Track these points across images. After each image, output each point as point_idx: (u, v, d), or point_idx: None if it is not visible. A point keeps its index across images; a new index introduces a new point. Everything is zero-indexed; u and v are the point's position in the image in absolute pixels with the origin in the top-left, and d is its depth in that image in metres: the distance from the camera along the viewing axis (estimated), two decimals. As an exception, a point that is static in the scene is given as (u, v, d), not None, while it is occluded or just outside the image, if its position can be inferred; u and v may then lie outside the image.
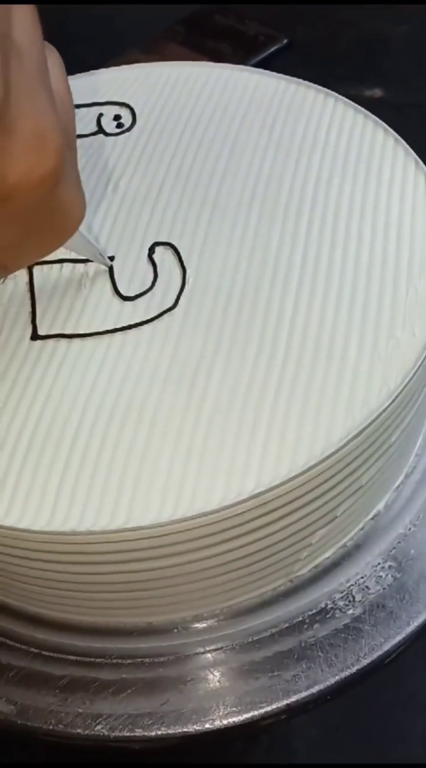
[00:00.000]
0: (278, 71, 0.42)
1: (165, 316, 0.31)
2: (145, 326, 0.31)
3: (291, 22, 0.67)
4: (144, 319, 0.31)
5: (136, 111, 0.40)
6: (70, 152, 0.24)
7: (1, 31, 0.20)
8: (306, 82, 0.40)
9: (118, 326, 0.31)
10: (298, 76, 0.41)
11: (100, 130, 0.39)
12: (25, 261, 0.26)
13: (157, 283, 0.32)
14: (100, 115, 0.40)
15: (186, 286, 0.32)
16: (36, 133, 0.22)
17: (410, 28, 0.71)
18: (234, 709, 0.31)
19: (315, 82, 0.41)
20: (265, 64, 0.62)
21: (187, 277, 0.32)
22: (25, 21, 0.22)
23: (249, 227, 0.34)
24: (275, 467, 0.27)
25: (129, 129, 0.39)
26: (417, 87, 0.66)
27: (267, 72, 0.41)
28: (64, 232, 0.25)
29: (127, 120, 0.39)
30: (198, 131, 0.38)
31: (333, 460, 0.27)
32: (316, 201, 0.34)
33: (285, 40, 0.62)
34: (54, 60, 0.25)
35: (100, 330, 0.31)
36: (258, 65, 0.61)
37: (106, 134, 0.39)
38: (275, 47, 0.62)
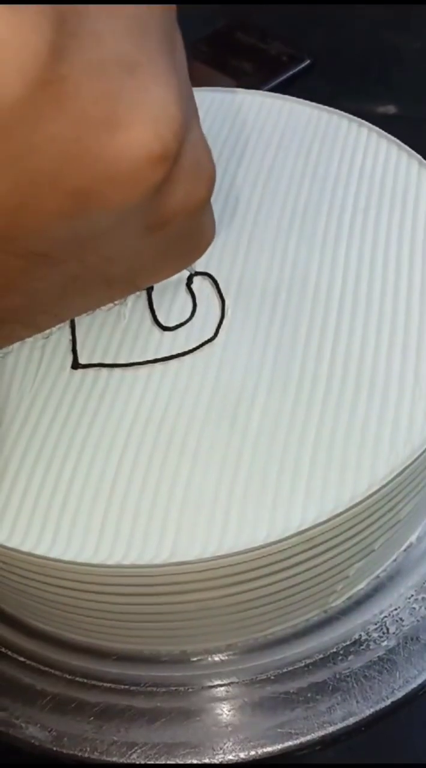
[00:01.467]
0: (297, 88, 0.42)
1: (205, 347, 0.31)
2: (185, 357, 0.31)
3: (309, 37, 0.67)
4: (184, 350, 0.31)
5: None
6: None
7: (173, 54, 0.21)
8: (339, 111, 0.41)
9: (159, 357, 0.31)
10: (314, 92, 0.42)
11: (135, 155, 0.39)
12: (157, 280, 0.28)
13: (196, 314, 0.33)
14: (135, 140, 0.40)
15: (225, 316, 0.32)
16: (194, 161, 0.22)
17: (424, 42, 0.71)
18: (269, 739, 0.31)
19: (331, 99, 0.41)
20: (287, 83, 0.62)
21: (226, 307, 0.33)
22: (179, 42, 0.23)
23: (287, 257, 0.34)
24: (320, 503, 0.27)
25: (164, 155, 0.39)
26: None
27: (300, 100, 0.41)
28: (197, 252, 0.27)
29: (161, 146, 0.39)
30: (234, 158, 0.38)
31: (377, 497, 0.27)
32: (354, 231, 0.35)
33: (307, 61, 0.63)
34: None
35: (141, 360, 0.31)
36: (280, 85, 0.61)
37: (142, 160, 0.39)
38: (298, 68, 0.62)
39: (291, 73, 0.62)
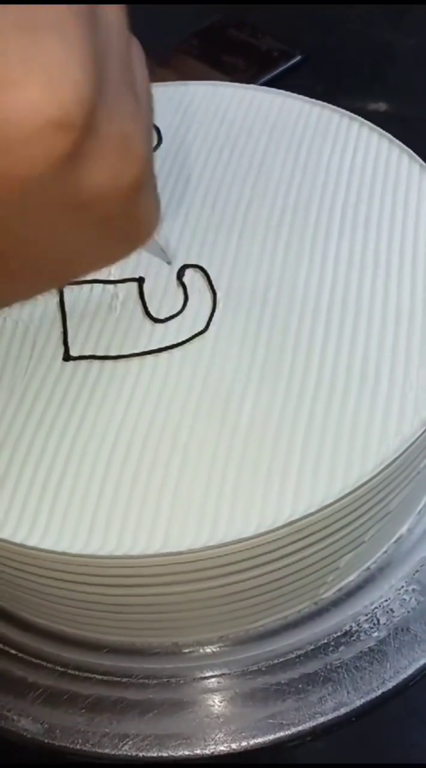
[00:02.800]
0: (286, 83, 0.42)
1: (196, 339, 0.32)
2: (177, 349, 0.31)
3: (300, 34, 0.68)
4: (175, 342, 0.31)
5: (161, 130, 0.40)
6: (150, 158, 0.22)
7: (90, 18, 0.19)
8: (330, 105, 0.41)
9: (150, 349, 0.31)
10: (305, 89, 0.42)
11: (127, 149, 0.39)
12: (93, 268, 0.25)
13: (187, 306, 0.33)
14: (126, 134, 0.40)
15: (216, 309, 0.32)
16: (121, 137, 0.20)
17: (417, 40, 0.71)
18: (260, 730, 0.31)
19: (323, 95, 0.41)
20: (277, 78, 0.62)
21: (217, 300, 0.33)
22: (114, 15, 0.21)
23: (278, 251, 0.34)
24: (310, 494, 0.27)
25: (154, 149, 0.39)
26: (423, 99, 0.66)
27: (291, 94, 0.42)
28: (138, 241, 0.24)
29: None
30: (224, 153, 0.39)
31: (367, 488, 0.28)
32: (344, 226, 0.35)
33: (299, 57, 0.63)
34: (136, 54, 0.23)
35: (132, 352, 0.31)
36: (271, 81, 0.61)
37: (133, 154, 0.39)
38: (289, 63, 0.62)
39: (282, 68, 0.62)
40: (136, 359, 0.31)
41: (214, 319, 0.32)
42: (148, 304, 0.33)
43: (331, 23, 0.70)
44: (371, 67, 0.69)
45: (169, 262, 0.34)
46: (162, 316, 0.32)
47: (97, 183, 0.20)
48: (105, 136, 0.20)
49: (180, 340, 0.32)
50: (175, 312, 0.32)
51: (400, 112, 0.65)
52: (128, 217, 0.23)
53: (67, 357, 0.31)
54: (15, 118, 0.18)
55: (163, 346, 0.31)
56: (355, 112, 0.41)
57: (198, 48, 0.64)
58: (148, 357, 0.31)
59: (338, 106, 0.41)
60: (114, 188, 0.21)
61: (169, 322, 0.32)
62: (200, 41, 0.65)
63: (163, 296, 0.33)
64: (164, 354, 0.31)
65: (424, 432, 0.29)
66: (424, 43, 0.71)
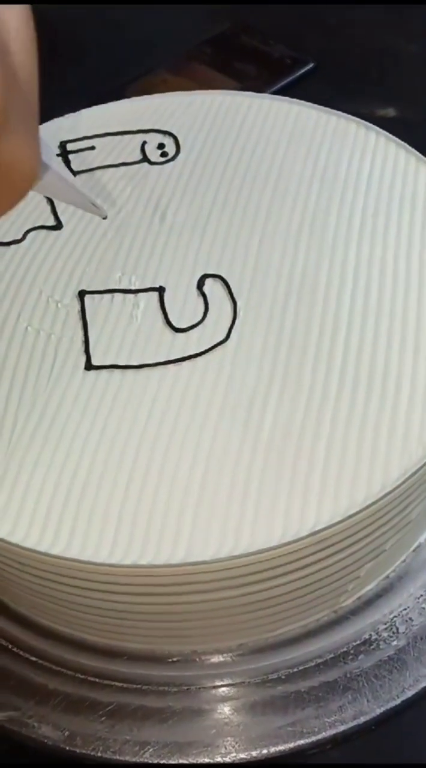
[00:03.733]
0: (298, 90, 0.42)
1: (217, 348, 0.32)
2: (198, 358, 0.32)
3: (306, 38, 0.68)
4: (196, 351, 0.32)
5: (180, 140, 0.40)
6: (18, 99, 0.22)
7: None
8: (346, 114, 0.41)
9: (171, 358, 0.32)
10: (315, 95, 0.42)
11: (145, 158, 0.39)
12: None
13: (208, 316, 0.33)
14: (144, 143, 0.40)
15: (237, 318, 0.33)
16: None
17: (423, 46, 0.72)
18: (280, 738, 0.31)
19: (331, 101, 0.41)
20: (290, 86, 0.62)
21: (237, 309, 0.33)
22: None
23: (297, 261, 0.34)
24: (334, 504, 0.27)
25: (174, 158, 0.39)
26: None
27: (306, 103, 0.42)
28: (13, 191, 0.23)
29: (170, 149, 0.40)
30: (242, 161, 0.39)
31: (390, 498, 0.28)
32: (363, 235, 0.35)
33: (311, 64, 0.63)
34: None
35: (154, 361, 0.32)
36: (283, 88, 0.61)
37: (151, 163, 0.39)
38: (301, 71, 0.63)
39: (295, 76, 0.62)
40: (157, 368, 0.31)
41: (234, 328, 0.32)
42: (168, 314, 0.33)
43: (336, 29, 0.70)
44: (378, 72, 0.69)
45: (104, 217, 0.32)
46: (182, 326, 0.33)
47: None
48: None
49: (201, 350, 0.32)
50: (195, 321, 0.33)
51: (408, 117, 0.65)
52: None
53: (89, 366, 0.32)
54: None
55: (184, 355, 0.32)
56: (363, 118, 0.41)
57: (210, 55, 0.64)
58: (170, 366, 0.31)
59: (346, 111, 0.41)
60: None
61: (190, 332, 0.32)
62: (212, 48, 0.65)
63: (183, 306, 0.33)
64: (185, 363, 0.31)
65: (446, 442, 0.29)
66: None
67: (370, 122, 0.40)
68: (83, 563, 0.27)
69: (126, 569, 0.27)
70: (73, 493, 0.28)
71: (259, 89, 0.53)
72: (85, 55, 0.67)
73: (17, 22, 0.23)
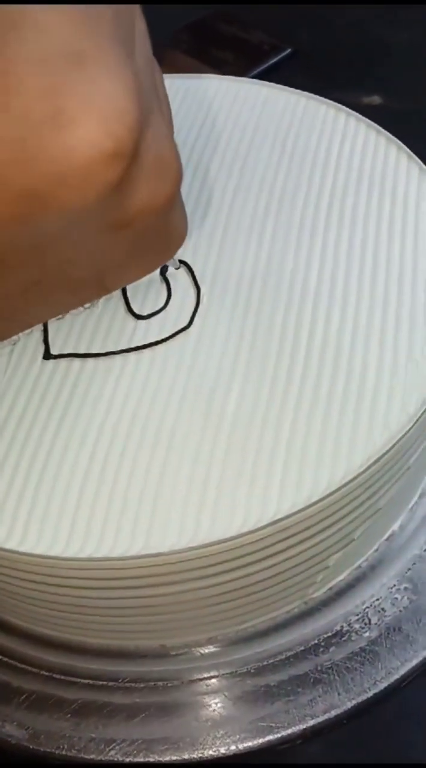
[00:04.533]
0: (279, 78, 0.41)
1: (180, 335, 0.31)
2: (160, 346, 0.31)
3: (292, 28, 0.67)
4: (158, 338, 0.31)
5: (146, 124, 0.39)
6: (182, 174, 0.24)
7: (130, 44, 0.20)
8: (316, 96, 0.40)
9: (132, 346, 0.31)
10: (298, 83, 0.41)
11: (110, 143, 0.38)
12: (127, 281, 0.26)
13: (170, 302, 0.32)
14: (110, 128, 0.39)
15: (200, 304, 0.32)
16: (159, 158, 0.21)
17: (410, 34, 0.71)
18: (249, 733, 0.30)
19: (314, 89, 0.41)
20: (268, 72, 0.62)
21: (201, 295, 0.32)
22: (141, 32, 0.22)
23: (263, 245, 0.33)
24: (296, 492, 0.27)
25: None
26: (416, 93, 0.66)
27: (276, 85, 0.41)
28: (168, 252, 0.25)
29: (137, 133, 0.39)
30: (209, 145, 0.38)
31: (354, 485, 0.27)
32: (331, 219, 0.34)
33: (289, 50, 0.62)
34: (158, 71, 0.24)
35: (114, 350, 0.31)
36: (261, 74, 0.61)
37: (116, 148, 0.38)
38: (279, 57, 0.62)
39: (272, 61, 0.61)
40: (118, 357, 0.31)
41: (198, 314, 0.31)
42: (130, 301, 0.32)
43: (323, 18, 0.69)
44: (364, 61, 0.68)
45: (177, 267, 0.33)
46: (145, 313, 0.32)
47: (137, 204, 0.21)
48: (145, 161, 0.21)
49: (163, 337, 0.31)
50: (158, 308, 0.32)
51: (394, 106, 0.64)
52: (162, 231, 0.24)
53: (47, 355, 0.31)
54: (74, 152, 0.18)
55: (146, 342, 0.31)
56: (350, 107, 0.40)
57: (187, 43, 0.64)
58: (131, 354, 0.31)
59: (332, 100, 0.40)
60: (152, 206, 0.22)
61: (153, 319, 0.32)
62: (190, 36, 0.64)
63: (146, 292, 0.32)
64: (147, 351, 0.31)
65: (411, 428, 0.28)
66: (416, 37, 0.70)
67: (356, 110, 0.39)
68: (38, 557, 0.26)
69: (82, 563, 0.26)
70: (29, 485, 0.28)
71: (237, 76, 0.52)
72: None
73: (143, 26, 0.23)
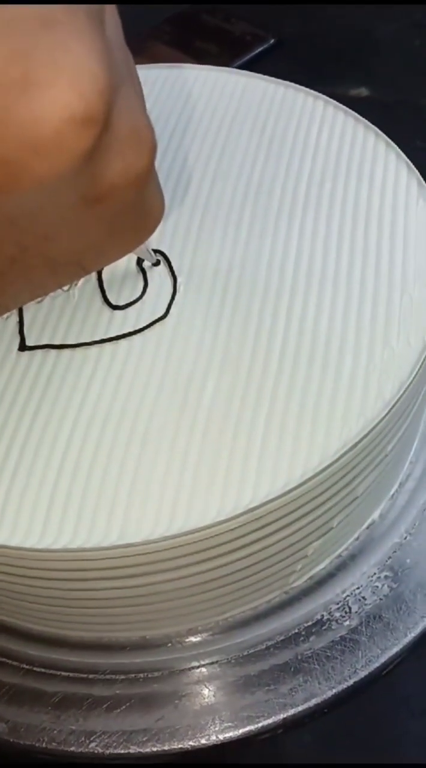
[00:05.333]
0: (265, 70, 0.41)
1: (156, 325, 0.31)
2: (136, 336, 0.31)
3: (278, 20, 0.67)
4: (135, 328, 0.31)
5: (124, 114, 0.39)
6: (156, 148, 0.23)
7: (99, 16, 0.20)
8: (295, 84, 0.40)
9: (108, 336, 0.31)
10: (285, 76, 0.41)
11: (87, 134, 0.38)
12: (105, 262, 0.26)
13: (147, 292, 0.32)
14: (87, 118, 0.39)
15: (177, 294, 0.32)
16: (132, 130, 0.21)
17: (397, 27, 0.70)
18: (230, 723, 0.30)
19: (301, 82, 0.40)
20: (252, 64, 0.61)
21: (177, 285, 0.32)
22: (111, 12, 0.21)
23: (240, 234, 0.33)
24: (272, 480, 0.26)
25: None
26: (403, 85, 0.65)
27: (255, 74, 0.41)
28: (145, 231, 0.25)
29: (114, 124, 0.39)
30: (187, 134, 0.38)
31: (329, 472, 0.27)
32: (308, 206, 0.34)
33: (272, 40, 0.62)
34: (127, 51, 0.23)
35: (90, 340, 0.31)
36: (245, 65, 0.60)
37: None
38: (262, 47, 0.61)
39: (255, 52, 0.61)
40: (94, 347, 0.30)
41: (174, 304, 0.31)
42: (106, 291, 0.32)
43: (309, 10, 0.69)
44: (351, 53, 0.68)
45: (155, 263, 0.32)
46: (121, 303, 0.32)
47: (111, 176, 0.21)
48: (118, 130, 0.20)
49: (139, 327, 0.31)
50: (134, 298, 0.32)
51: (381, 98, 0.64)
52: (138, 207, 0.24)
53: (22, 347, 0.31)
54: (44, 116, 0.18)
55: (122, 333, 0.31)
56: (337, 99, 0.40)
57: (170, 34, 0.63)
58: (107, 345, 0.30)
59: (319, 92, 0.40)
60: (126, 180, 0.21)
61: (129, 309, 0.31)
62: (172, 27, 0.64)
63: (122, 282, 0.32)
64: (123, 341, 0.30)
65: (387, 414, 0.28)
66: (403, 28, 0.70)
67: (343, 102, 0.39)
68: (13, 549, 0.26)
69: (56, 554, 0.26)
70: (4, 477, 0.27)
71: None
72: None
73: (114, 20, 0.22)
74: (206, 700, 0.31)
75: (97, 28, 0.20)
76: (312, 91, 0.39)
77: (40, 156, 0.19)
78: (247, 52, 0.61)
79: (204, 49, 0.62)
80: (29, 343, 0.31)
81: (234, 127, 0.38)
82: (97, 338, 0.31)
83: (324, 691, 0.30)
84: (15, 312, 0.32)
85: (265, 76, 0.40)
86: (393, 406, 0.28)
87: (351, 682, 0.31)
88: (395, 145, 0.36)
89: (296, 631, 0.32)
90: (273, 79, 0.40)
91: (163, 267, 0.32)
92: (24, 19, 0.18)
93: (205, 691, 0.31)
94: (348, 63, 0.66)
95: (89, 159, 0.20)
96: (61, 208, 0.21)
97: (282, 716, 0.30)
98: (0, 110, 0.18)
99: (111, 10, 0.22)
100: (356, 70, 0.66)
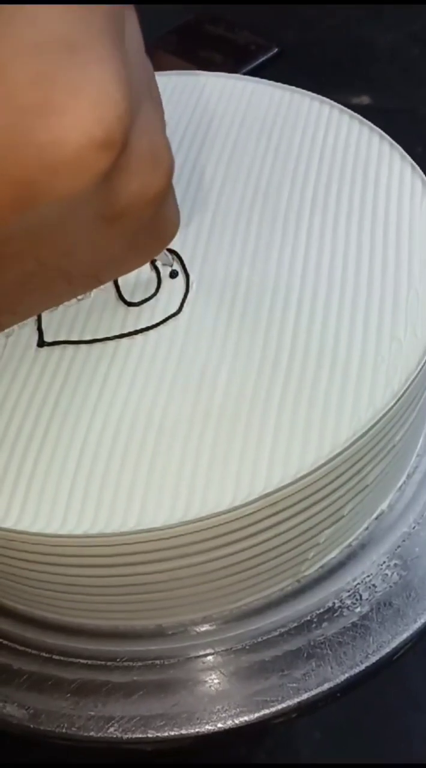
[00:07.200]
0: (268, 79, 0.42)
1: (170, 321, 0.32)
2: (151, 332, 0.31)
3: (278, 29, 0.68)
4: (149, 324, 0.32)
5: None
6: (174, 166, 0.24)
7: (120, 38, 0.20)
8: (300, 89, 0.41)
9: (124, 332, 0.32)
10: (287, 84, 0.42)
11: (100, 139, 0.39)
12: (121, 273, 0.26)
13: (160, 289, 0.33)
14: (99, 124, 0.40)
15: (190, 291, 0.33)
16: (150, 150, 0.21)
17: (396, 36, 0.72)
18: (245, 708, 0.31)
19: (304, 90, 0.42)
20: (255, 73, 0.62)
21: (190, 282, 0.33)
22: (133, 29, 0.22)
23: (250, 233, 0.34)
24: (284, 467, 0.27)
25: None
26: (403, 94, 0.67)
27: (262, 80, 0.42)
28: (162, 243, 0.26)
29: (125, 129, 0.40)
30: (196, 139, 0.39)
31: (340, 460, 0.28)
32: (316, 207, 0.35)
33: (275, 49, 0.63)
34: (149, 68, 0.24)
35: (106, 336, 0.31)
36: (249, 74, 0.62)
37: (106, 143, 0.39)
38: (266, 56, 0.63)
39: (259, 61, 0.62)
40: (110, 343, 0.31)
41: (187, 301, 0.32)
42: (121, 288, 0.33)
43: (309, 19, 0.70)
44: (351, 61, 0.69)
45: (171, 266, 0.33)
46: (135, 300, 0.33)
47: (129, 195, 0.21)
48: (136, 150, 0.21)
49: (154, 323, 0.32)
50: (148, 295, 0.33)
51: (382, 106, 0.65)
52: (155, 222, 0.24)
53: (41, 343, 0.32)
54: (64, 140, 0.19)
55: (137, 328, 0.32)
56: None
57: (175, 44, 0.65)
58: (123, 340, 0.31)
59: None
60: (144, 198, 0.22)
61: (143, 306, 0.32)
62: (178, 38, 0.65)
63: (136, 280, 0.33)
64: (138, 337, 0.31)
65: (395, 404, 0.29)
66: (401, 36, 0.71)
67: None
68: (34, 535, 0.27)
69: (77, 539, 0.27)
70: (25, 466, 0.28)
71: (224, 76, 0.53)
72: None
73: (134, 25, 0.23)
74: (221, 685, 0.32)
75: (118, 51, 0.20)
76: (317, 96, 0.40)
77: (59, 176, 0.19)
78: (250, 61, 0.63)
79: (209, 59, 0.63)
80: (47, 339, 0.32)
81: (242, 131, 0.39)
82: (112, 334, 0.32)
83: (337, 675, 0.31)
84: (33, 309, 0.33)
85: (272, 82, 0.41)
86: (401, 396, 0.29)
87: (363, 666, 0.31)
88: (400, 147, 0.37)
89: (308, 618, 0.33)
90: (279, 84, 0.41)
91: (176, 265, 0.33)
92: (48, 43, 0.19)
93: (220, 677, 0.32)
94: (348, 72, 0.68)
95: (107, 179, 0.20)
96: (80, 225, 0.22)
97: (296, 700, 0.31)
98: (21, 132, 0.19)
99: (131, 17, 0.23)
100: (357, 78, 0.67)
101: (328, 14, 0.71)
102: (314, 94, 0.40)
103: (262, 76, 0.44)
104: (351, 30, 0.72)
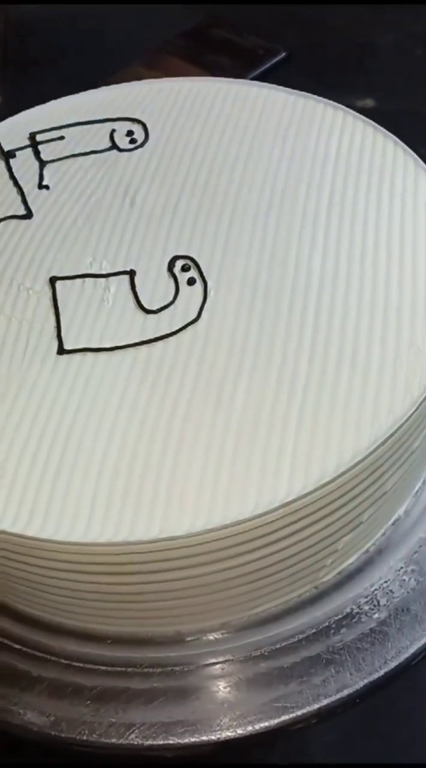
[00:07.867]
0: (274, 83, 0.43)
1: (189, 328, 0.32)
2: (170, 339, 0.32)
3: (282, 32, 0.68)
4: (169, 331, 0.32)
5: (149, 126, 0.40)
6: None
7: None
8: (314, 95, 0.41)
9: (144, 339, 0.32)
10: (293, 88, 0.42)
11: (114, 145, 0.39)
12: None
13: (179, 297, 0.33)
14: (113, 131, 0.40)
15: (208, 298, 0.33)
16: None
17: (398, 37, 0.72)
18: (265, 714, 0.31)
19: (310, 93, 0.42)
20: (263, 77, 0.62)
21: (208, 289, 0.33)
22: None
23: (267, 239, 0.34)
24: (305, 475, 0.27)
25: (142, 144, 0.39)
26: (406, 94, 0.67)
27: (275, 86, 0.42)
28: None
29: (139, 135, 0.40)
30: (211, 145, 0.39)
31: (361, 467, 0.28)
32: (332, 211, 0.35)
33: (283, 53, 0.63)
34: None
35: (126, 343, 0.32)
36: (257, 78, 0.62)
37: (120, 150, 0.39)
38: (274, 60, 0.63)
39: (267, 65, 0.62)
40: (129, 350, 0.32)
41: (205, 307, 0.32)
42: (139, 296, 0.33)
43: (312, 21, 0.70)
44: (354, 64, 0.69)
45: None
46: (154, 307, 0.33)
47: None
48: None
49: (173, 330, 0.32)
50: (166, 303, 0.33)
51: (386, 107, 0.65)
52: None
53: (61, 350, 0.32)
54: None
55: (156, 336, 0.32)
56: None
57: (183, 48, 0.65)
58: (142, 348, 0.32)
59: None
60: None
61: (162, 313, 0.32)
62: (185, 41, 0.66)
63: (154, 288, 0.33)
64: (158, 344, 0.32)
65: (415, 411, 0.29)
66: (403, 38, 0.71)
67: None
68: (57, 543, 0.27)
69: (100, 547, 0.27)
70: (48, 475, 0.28)
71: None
72: (61, 56, 0.68)
73: None
74: (240, 691, 0.32)
75: None
76: (331, 102, 0.40)
77: None
78: (258, 65, 0.63)
79: (217, 63, 0.64)
80: (67, 347, 0.32)
81: (257, 137, 0.39)
82: (132, 341, 0.32)
83: (356, 681, 0.31)
84: (53, 317, 0.33)
85: (285, 88, 0.42)
86: (420, 403, 0.29)
87: (381, 672, 0.31)
88: (413, 153, 0.38)
89: (327, 624, 0.33)
90: (293, 90, 0.41)
91: (193, 272, 0.34)
92: None
93: (239, 683, 0.32)
94: (352, 74, 0.68)
95: None
96: None
97: (316, 706, 0.31)
98: None
99: None
100: (361, 80, 0.67)
101: (330, 16, 0.71)
102: (328, 101, 0.41)
103: (268, 80, 0.44)
104: (353, 31, 0.72)
